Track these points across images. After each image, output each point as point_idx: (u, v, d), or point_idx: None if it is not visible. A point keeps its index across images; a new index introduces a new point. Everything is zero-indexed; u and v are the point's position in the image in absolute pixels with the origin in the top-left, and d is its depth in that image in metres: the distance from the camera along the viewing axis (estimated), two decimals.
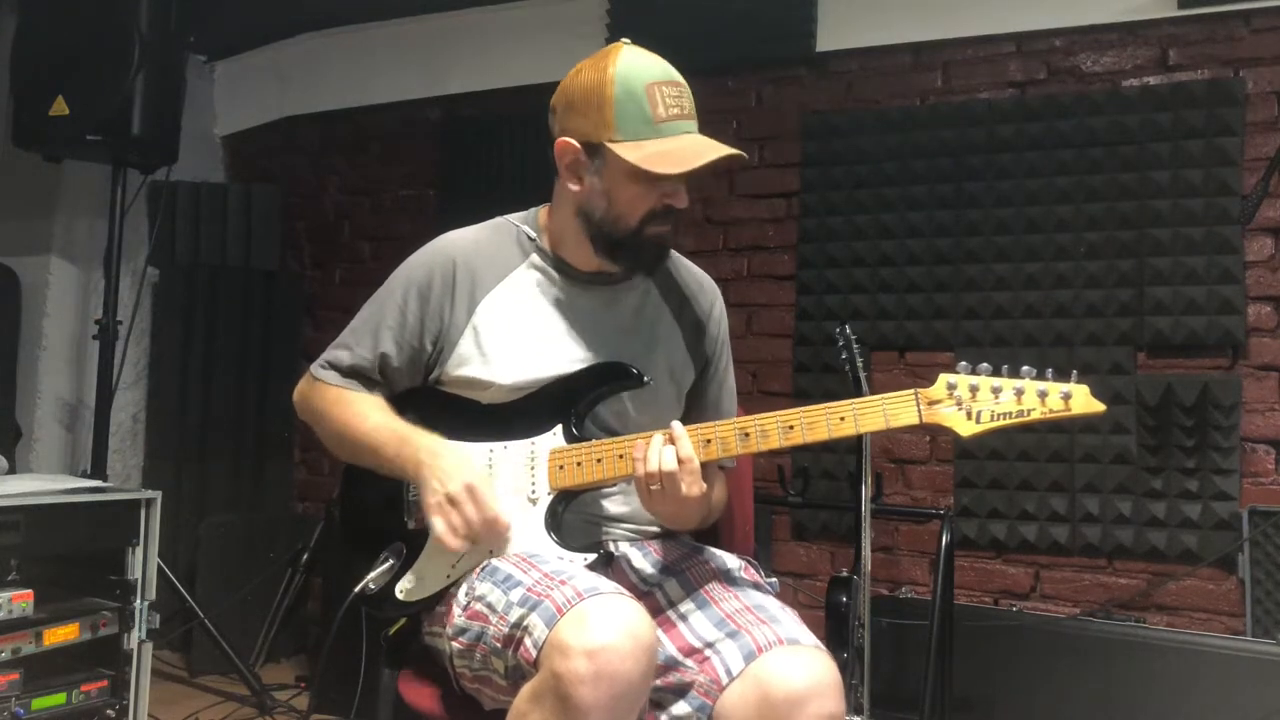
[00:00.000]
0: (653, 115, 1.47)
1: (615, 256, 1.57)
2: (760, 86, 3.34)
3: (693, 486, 1.41)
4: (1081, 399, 1.35)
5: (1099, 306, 2.84)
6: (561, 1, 3.52)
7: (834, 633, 2.40)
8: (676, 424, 1.44)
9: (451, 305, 1.60)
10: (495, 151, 3.67)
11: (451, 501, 1.45)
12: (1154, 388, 2.73)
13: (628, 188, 1.50)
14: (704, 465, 1.45)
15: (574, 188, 1.55)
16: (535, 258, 1.64)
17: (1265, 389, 2.69)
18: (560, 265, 1.63)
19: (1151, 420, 2.74)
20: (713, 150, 1.46)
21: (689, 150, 1.47)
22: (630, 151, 1.47)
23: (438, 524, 1.46)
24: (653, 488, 1.42)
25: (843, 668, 2.29)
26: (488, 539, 1.48)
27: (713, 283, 1.77)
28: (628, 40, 1.55)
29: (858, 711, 2.32)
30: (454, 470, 1.47)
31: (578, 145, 1.52)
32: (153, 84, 2.95)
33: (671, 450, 1.41)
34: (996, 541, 2.92)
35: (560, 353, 1.59)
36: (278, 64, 4.10)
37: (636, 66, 1.49)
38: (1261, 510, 2.61)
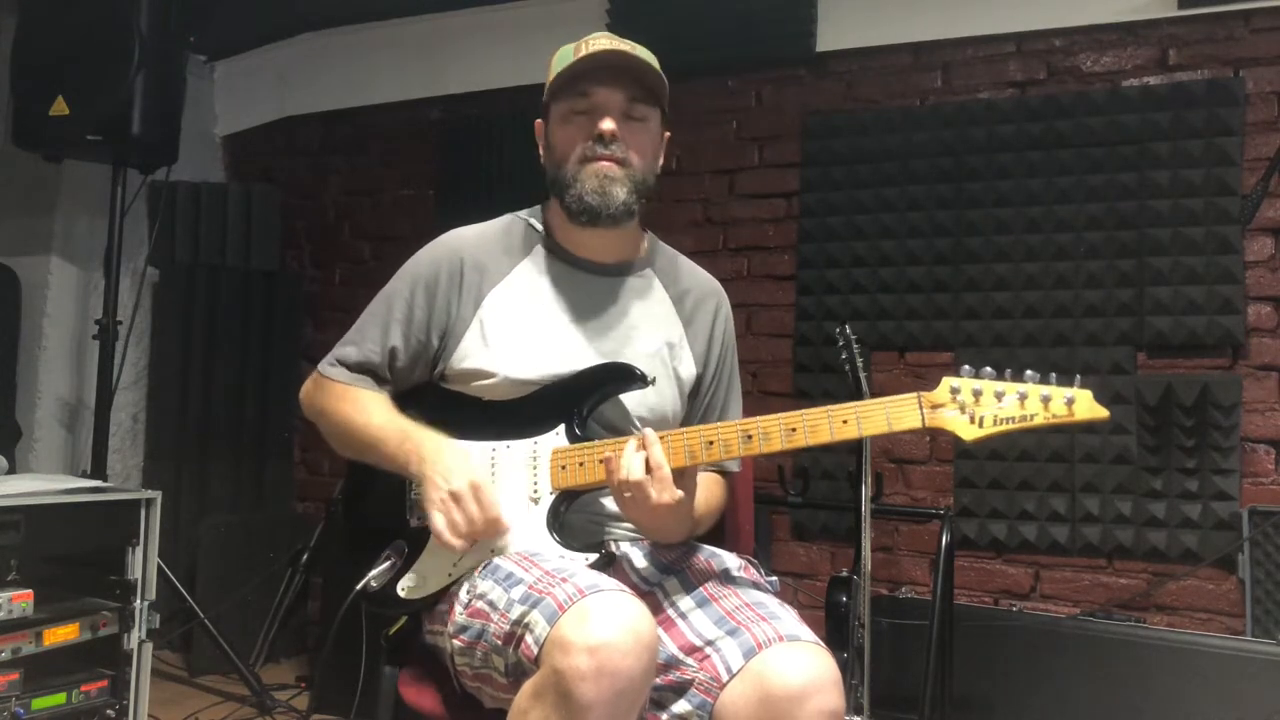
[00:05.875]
0: (574, 57, 1.56)
1: (568, 205, 1.59)
2: (760, 86, 3.34)
3: (663, 494, 1.39)
4: (1085, 404, 1.33)
5: (1099, 306, 2.84)
6: (561, 1, 3.53)
7: (834, 633, 2.40)
8: (649, 431, 1.43)
9: (459, 300, 1.61)
10: (495, 151, 3.67)
11: (454, 499, 1.44)
12: (1154, 388, 2.73)
13: (560, 131, 1.59)
14: (684, 472, 1.43)
15: (543, 160, 1.65)
16: (541, 249, 1.66)
17: (1265, 389, 2.69)
18: (565, 255, 1.65)
19: (1151, 420, 2.74)
20: (603, 45, 1.54)
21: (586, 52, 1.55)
22: (550, 92, 1.59)
23: (438, 520, 1.45)
24: (626, 495, 1.41)
25: (843, 668, 2.29)
26: (489, 538, 1.48)
27: (719, 286, 1.78)
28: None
29: (858, 711, 2.32)
30: (457, 468, 1.46)
31: (540, 121, 1.65)
32: (153, 84, 2.95)
33: (642, 456, 1.40)
34: (996, 541, 2.92)
35: (564, 344, 1.59)
36: (278, 64, 4.10)
37: (584, 39, 1.59)
38: (1261, 510, 2.62)
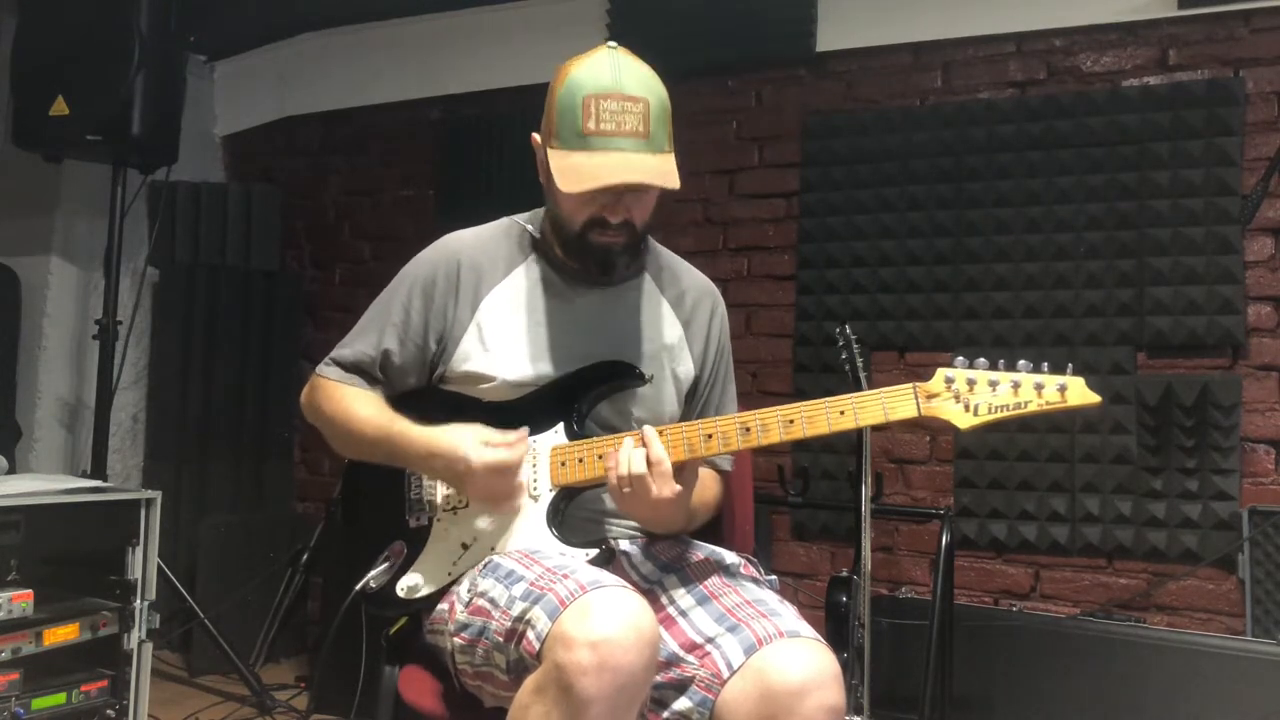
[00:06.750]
0: (582, 127, 1.46)
1: (568, 257, 1.60)
2: (760, 86, 3.34)
3: (663, 488, 1.42)
4: (1077, 391, 1.36)
5: (1099, 306, 2.84)
6: (561, 1, 3.53)
7: (834, 633, 2.40)
8: (647, 427, 1.45)
9: (456, 303, 1.61)
10: (495, 151, 3.67)
11: (485, 469, 1.46)
12: (1154, 388, 2.73)
13: (565, 194, 1.51)
14: (684, 466, 1.45)
15: (541, 180, 1.60)
16: (538, 255, 1.66)
17: (1265, 389, 2.69)
18: (561, 263, 1.64)
19: (1151, 420, 2.74)
20: (616, 175, 1.44)
21: (599, 169, 1.45)
22: (555, 160, 1.49)
23: (485, 495, 1.51)
24: (625, 490, 1.42)
25: (842, 668, 2.29)
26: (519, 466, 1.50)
27: (714, 286, 1.78)
28: (614, 44, 1.54)
29: (858, 711, 2.32)
30: (460, 441, 1.47)
31: (539, 143, 1.57)
32: (153, 84, 2.95)
33: (642, 453, 1.42)
34: (996, 541, 2.92)
35: (562, 348, 1.60)
36: (278, 64, 4.10)
37: (589, 74, 1.48)
38: (1261, 510, 2.62)
